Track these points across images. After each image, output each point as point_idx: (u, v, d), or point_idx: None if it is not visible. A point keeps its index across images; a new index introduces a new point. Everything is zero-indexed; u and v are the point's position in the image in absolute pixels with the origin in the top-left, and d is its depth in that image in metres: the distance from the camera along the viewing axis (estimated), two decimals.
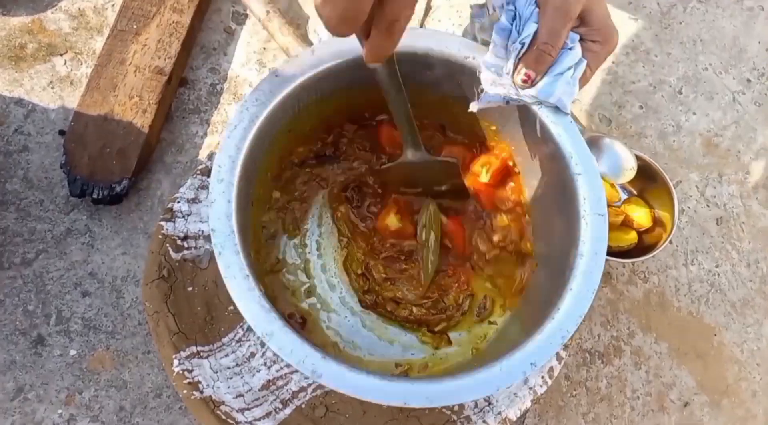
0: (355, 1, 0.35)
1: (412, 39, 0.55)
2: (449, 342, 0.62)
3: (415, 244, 0.64)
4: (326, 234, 0.65)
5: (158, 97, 0.72)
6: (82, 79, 0.77)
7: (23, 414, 0.66)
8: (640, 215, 0.73)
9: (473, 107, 0.54)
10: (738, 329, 0.77)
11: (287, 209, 0.65)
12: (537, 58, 0.51)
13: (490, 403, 0.60)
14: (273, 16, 0.73)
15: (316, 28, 0.74)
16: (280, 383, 0.59)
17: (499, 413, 0.59)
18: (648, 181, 0.73)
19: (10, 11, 0.79)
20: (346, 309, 0.63)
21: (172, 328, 0.59)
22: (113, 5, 0.81)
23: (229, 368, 0.59)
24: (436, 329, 0.62)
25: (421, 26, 0.84)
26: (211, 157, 0.66)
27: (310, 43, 0.75)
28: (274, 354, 0.53)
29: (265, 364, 0.60)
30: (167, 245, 0.62)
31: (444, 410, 0.59)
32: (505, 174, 0.64)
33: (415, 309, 0.63)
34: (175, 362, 0.58)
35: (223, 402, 0.58)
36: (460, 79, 0.57)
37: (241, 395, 0.58)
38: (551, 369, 0.61)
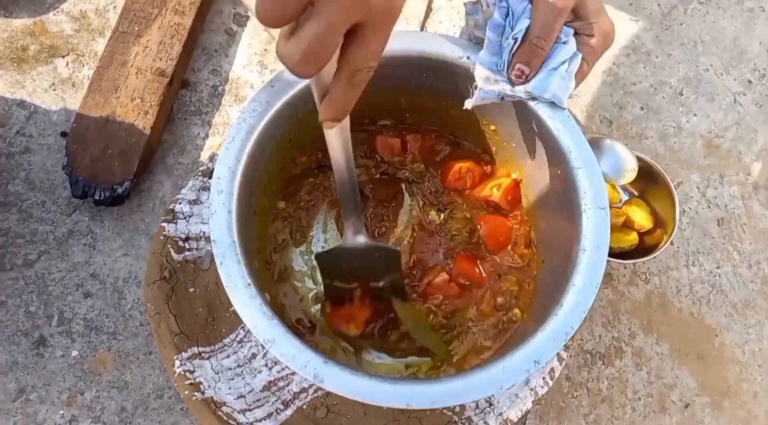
0: (321, 39, 0.33)
1: (406, 42, 0.56)
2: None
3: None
4: (331, 240, 0.65)
5: (160, 99, 0.72)
6: (83, 80, 0.77)
7: (25, 415, 0.66)
8: (641, 216, 0.73)
9: (468, 104, 0.54)
10: (739, 330, 0.77)
11: (293, 218, 0.65)
12: (530, 52, 0.51)
13: (491, 404, 0.60)
14: None
15: None
16: (281, 384, 0.59)
17: (500, 414, 0.59)
18: (649, 182, 0.73)
19: (12, 13, 0.79)
20: None
21: (173, 329, 0.59)
22: (115, 7, 0.81)
23: (230, 369, 0.59)
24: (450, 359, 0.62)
25: (422, 28, 0.84)
26: (212, 158, 0.66)
27: None
28: (273, 355, 0.53)
29: (266, 365, 0.60)
30: (169, 246, 0.62)
31: (445, 411, 0.59)
32: (516, 192, 0.65)
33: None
34: (177, 363, 0.58)
35: (224, 403, 0.58)
36: (456, 79, 0.57)
37: (242, 396, 0.58)
38: (552, 370, 0.61)
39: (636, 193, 0.76)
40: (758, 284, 0.79)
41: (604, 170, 0.54)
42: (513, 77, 0.52)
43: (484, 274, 0.63)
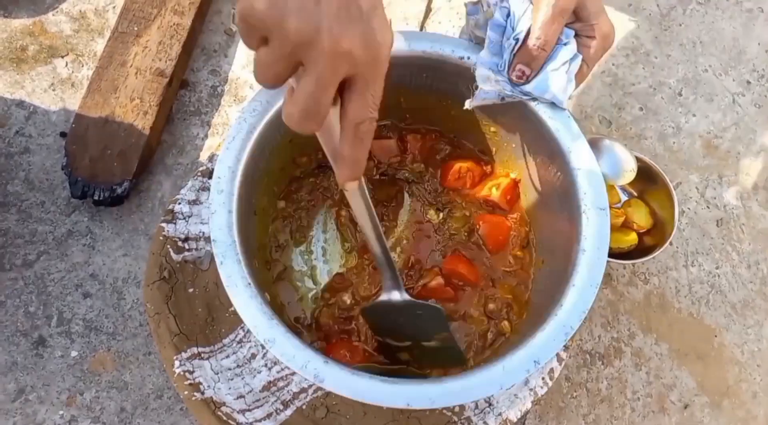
0: (314, 96, 0.34)
1: (406, 42, 0.56)
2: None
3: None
4: (331, 240, 0.65)
5: (159, 99, 0.72)
6: (83, 81, 0.77)
7: (24, 415, 0.66)
8: (641, 216, 0.73)
9: (468, 105, 0.54)
10: (738, 330, 0.77)
11: (293, 218, 0.65)
12: (531, 53, 0.51)
13: (490, 404, 0.60)
14: None
15: None
16: (280, 384, 0.59)
17: (500, 414, 0.59)
18: (648, 183, 0.73)
19: (12, 13, 0.79)
20: None
21: (173, 329, 0.59)
22: (114, 7, 0.81)
23: (230, 369, 0.59)
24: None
25: (422, 29, 0.84)
26: (212, 158, 0.66)
27: None
28: (274, 355, 0.53)
29: (265, 365, 0.60)
30: (168, 246, 0.62)
31: (444, 411, 0.59)
32: (515, 192, 0.65)
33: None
34: (176, 363, 0.58)
35: (224, 403, 0.58)
36: (456, 80, 0.57)
37: (241, 396, 0.58)
38: (552, 370, 0.61)
39: (635, 194, 0.76)
40: (757, 284, 0.79)
41: (603, 170, 0.54)
42: (514, 78, 0.52)
43: (475, 274, 0.63)
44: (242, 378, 0.59)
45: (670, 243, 0.76)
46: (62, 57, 0.78)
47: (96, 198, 0.69)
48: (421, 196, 0.66)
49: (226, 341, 0.61)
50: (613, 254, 0.71)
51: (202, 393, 0.57)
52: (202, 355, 0.59)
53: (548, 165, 0.57)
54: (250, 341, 0.61)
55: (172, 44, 0.75)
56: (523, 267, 0.63)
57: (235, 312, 0.60)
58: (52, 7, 0.80)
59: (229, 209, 0.50)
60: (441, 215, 0.65)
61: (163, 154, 0.76)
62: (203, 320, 0.61)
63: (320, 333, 0.61)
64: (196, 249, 0.63)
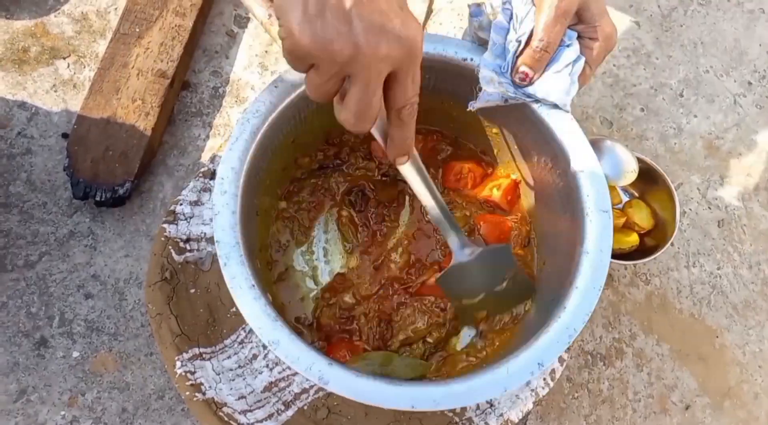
0: (365, 100, 0.39)
1: None
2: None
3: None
4: (333, 241, 0.65)
5: (161, 100, 0.73)
6: (85, 82, 0.77)
7: (26, 416, 0.66)
8: (642, 217, 0.73)
9: (471, 106, 0.54)
10: (740, 331, 0.77)
11: (295, 218, 0.65)
12: (534, 55, 0.51)
13: (492, 405, 0.60)
14: (275, 19, 0.73)
15: None
16: (282, 385, 0.60)
17: (501, 415, 0.59)
18: (649, 184, 0.73)
19: (14, 15, 0.79)
20: None
21: (174, 330, 0.60)
22: (116, 9, 0.81)
23: (231, 370, 0.59)
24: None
25: (423, 30, 0.84)
26: (213, 159, 0.66)
27: None
28: (276, 356, 0.53)
29: (267, 366, 0.60)
30: (170, 247, 0.62)
31: (446, 412, 0.59)
32: (515, 192, 0.65)
33: (428, 339, 0.62)
34: (178, 364, 0.58)
35: (225, 404, 0.58)
36: (459, 81, 0.57)
37: (243, 397, 0.58)
38: (553, 371, 0.61)
39: (636, 194, 0.76)
40: (759, 285, 0.79)
41: (605, 171, 0.54)
42: (517, 79, 0.52)
43: None
44: (243, 379, 0.59)
45: (672, 244, 0.76)
46: (64, 58, 0.78)
47: (98, 199, 0.69)
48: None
49: (227, 342, 0.61)
50: (615, 255, 0.71)
51: (204, 394, 0.58)
52: (204, 356, 0.59)
53: (551, 167, 0.57)
54: (251, 342, 0.61)
55: (173, 45, 0.75)
56: (526, 264, 0.63)
57: (236, 313, 0.60)
58: (54, 9, 0.80)
59: (232, 210, 0.50)
60: None
61: (165, 155, 0.76)
62: (205, 321, 0.61)
63: (321, 334, 0.61)
64: (198, 250, 0.63)
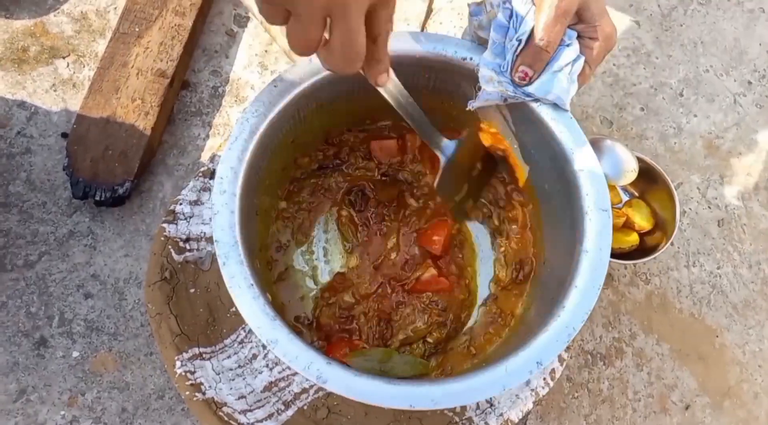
0: (348, 36, 0.38)
1: (409, 43, 0.56)
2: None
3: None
4: (332, 241, 0.65)
5: (160, 100, 0.73)
6: (84, 81, 0.77)
7: (26, 415, 0.66)
8: (642, 217, 0.73)
9: (471, 106, 0.54)
10: (740, 330, 0.77)
11: (295, 218, 0.65)
12: (534, 55, 0.51)
13: (492, 404, 0.60)
14: None
15: None
16: (282, 384, 0.60)
17: (501, 414, 0.60)
18: (649, 183, 0.73)
19: (13, 14, 0.79)
20: None
21: (174, 330, 0.59)
22: (115, 8, 0.81)
23: (231, 369, 0.59)
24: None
25: (423, 29, 0.84)
26: (213, 159, 0.66)
27: None
28: (275, 356, 0.53)
29: (267, 366, 0.60)
30: (169, 247, 0.62)
31: (446, 411, 0.59)
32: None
33: (428, 339, 0.62)
34: (178, 363, 0.58)
35: (225, 404, 0.58)
36: (459, 80, 0.57)
37: (243, 396, 0.58)
38: (553, 370, 0.61)
39: (636, 194, 0.76)
40: (758, 285, 0.79)
41: (605, 171, 0.54)
42: (516, 79, 0.52)
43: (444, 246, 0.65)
44: (243, 379, 0.59)
45: (671, 244, 0.76)
46: (63, 58, 0.78)
47: (97, 198, 0.69)
48: (421, 196, 0.67)
49: (227, 341, 0.61)
50: (615, 254, 0.71)
51: (204, 394, 0.58)
52: (204, 356, 0.59)
53: (550, 166, 0.57)
54: (251, 341, 0.61)
55: (173, 45, 0.75)
56: (524, 246, 0.65)
57: (236, 313, 0.60)
58: (54, 8, 0.80)
59: (231, 210, 0.50)
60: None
61: (165, 155, 0.76)
62: (204, 320, 0.61)
63: (321, 333, 0.61)
64: (198, 249, 0.63)
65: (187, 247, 0.62)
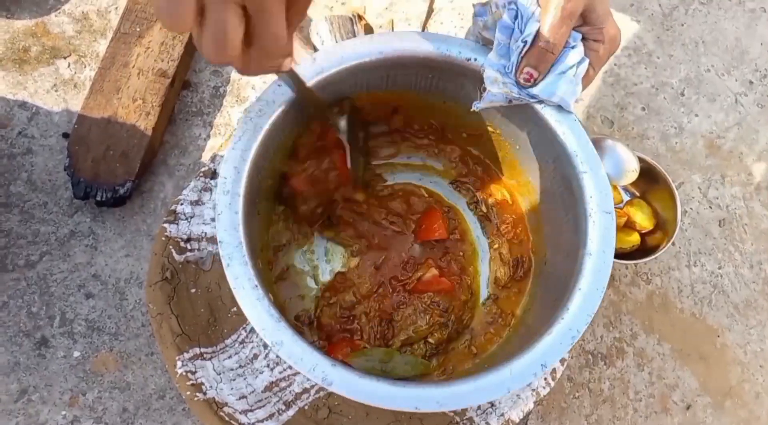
0: (221, 29, 0.33)
1: (413, 43, 0.56)
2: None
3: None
4: (333, 241, 0.65)
5: (161, 100, 0.73)
6: (85, 82, 0.77)
7: (27, 415, 0.66)
8: (643, 217, 0.73)
9: (476, 107, 0.54)
10: (741, 330, 0.77)
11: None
12: (539, 56, 0.51)
13: (493, 405, 0.60)
14: None
15: (318, 30, 0.74)
16: (283, 384, 0.59)
17: (502, 414, 0.59)
18: (650, 183, 0.73)
19: (14, 14, 0.79)
20: None
21: (175, 330, 0.59)
22: (117, 8, 0.81)
23: (232, 369, 0.59)
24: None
25: (424, 29, 0.84)
26: (214, 159, 0.66)
27: (313, 46, 0.75)
28: (277, 356, 0.53)
29: (268, 366, 0.60)
30: (170, 247, 0.62)
31: (447, 412, 0.59)
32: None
33: (429, 339, 0.62)
34: (179, 363, 0.58)
35: (226, 404, 0.58)
36: (463, 81, 0.57)
37: (244, 396, 0.58)
38: (554, 370, 0.61)
39: (637, 194, 0.76)
40: (760, 284, 0.79)
41: (606, 171, 0.54)
42: (521, 80, 0.52)
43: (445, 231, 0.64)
44: (244, 379, 0.59)
45: (673, 244, 0.76)
46: (65, 58, 0.78)
47: (98, 198, 0.69)
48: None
49: (228, 341, 0.61)
50: (616, 254, 0.70)
51: (204, 394, 0.58)
52: (204, 356, 0.59)
53: (554, 167, 0.57)
54: (252, 341, 0.61)
55: (174, 45, 0.75)
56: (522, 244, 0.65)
57: (237, 313, 0.60)
58: (55, 8, 0.80)
59: (235, 210, 0.50)
60: None
61: (166, 155, 0.76)
62: (205, 320, 0.61)
63: (322, 333, 0.61)
64: (199, 249, 0.63)
65: (188, 247, 0.62)
